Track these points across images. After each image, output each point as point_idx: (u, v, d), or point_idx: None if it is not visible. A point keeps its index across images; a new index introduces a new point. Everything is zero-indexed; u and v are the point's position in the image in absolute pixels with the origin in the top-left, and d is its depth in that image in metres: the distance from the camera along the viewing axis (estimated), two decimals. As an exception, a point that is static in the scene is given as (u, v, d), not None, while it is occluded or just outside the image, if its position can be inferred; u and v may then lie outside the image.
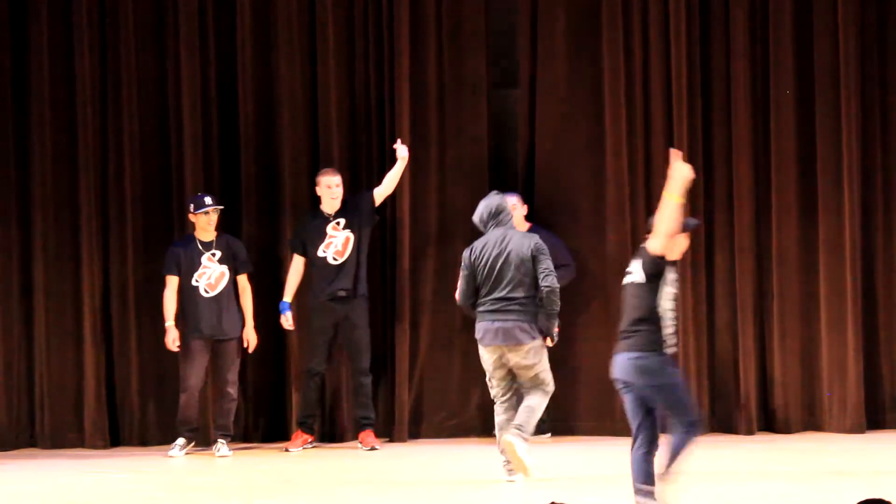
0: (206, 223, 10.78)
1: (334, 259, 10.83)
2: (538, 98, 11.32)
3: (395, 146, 10.82)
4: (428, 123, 11.38)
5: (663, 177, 11.08)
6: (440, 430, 11.31)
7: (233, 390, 10.76)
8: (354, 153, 11.38)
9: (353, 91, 11.40)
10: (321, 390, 11.03)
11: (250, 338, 10.87)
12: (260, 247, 11.36)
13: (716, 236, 11.20)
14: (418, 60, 11.34)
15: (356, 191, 11.26)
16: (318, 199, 11.00)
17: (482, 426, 11.23)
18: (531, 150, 11.38)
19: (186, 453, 10.75)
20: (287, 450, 10.85)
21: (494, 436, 9.31)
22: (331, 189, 10.85)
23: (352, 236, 10.83)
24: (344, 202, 10.88)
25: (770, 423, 11.12)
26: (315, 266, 10.86)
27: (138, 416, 11.29)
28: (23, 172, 11.38)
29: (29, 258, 11.38)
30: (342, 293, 10.76)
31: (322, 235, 10.85)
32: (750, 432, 10.98)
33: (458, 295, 9.27)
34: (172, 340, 10.73)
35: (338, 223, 10.87)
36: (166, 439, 10.99)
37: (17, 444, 11.34)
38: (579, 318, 11.16)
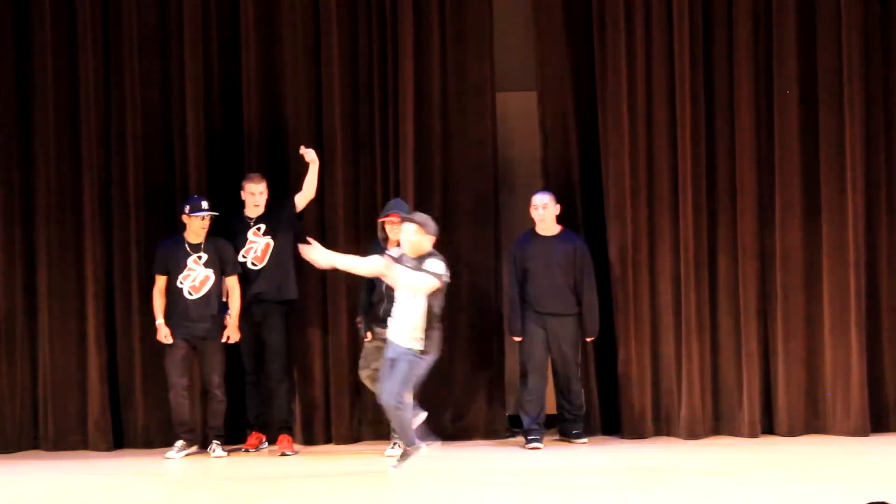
0: (198, 227, 10.81)
1: (253, 264, 10.91)
2: (541, 100, 11.31)
3: (301, 152, 10.82)
4: (432, 125, 11.37)
5: (665, 178, 11.18)
6: (444, 432, 11.29)
7: (219, 392, 10.82)
8: (358, 154, 11.38)
9: (356, 92, 11.41)
10: (259, 389, 11.01)
11: (231, 334, 10.88)
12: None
13: (719, 238, 11.17)
14: (422, 62, 11.34)
15: (361, 192, 11.29)
16: (242, 204, 11.04)
17: (486, 428, 11.25)
18: (536, 151, 11.38)
19: (186, 455, 10.79)
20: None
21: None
22: (254, 196, 10.94)
23: (272, 242, 10.90)
24: (268, 208, 10.95)
25: (773, 425, 11.10)
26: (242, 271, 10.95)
27: (142, 418, 11.31)
28: (26, 173, 11.42)
29: (32, 259, 11.41)
30: (260, 298, 10.85)
31: (244, 241, 10.93)
32: (753, 435, 10.96)
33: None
34: (165, 336, 10.76)
35: (258, 228, 10.94)
36: (169, 441, 10.97)
37: (21, 446, 11.37)
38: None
